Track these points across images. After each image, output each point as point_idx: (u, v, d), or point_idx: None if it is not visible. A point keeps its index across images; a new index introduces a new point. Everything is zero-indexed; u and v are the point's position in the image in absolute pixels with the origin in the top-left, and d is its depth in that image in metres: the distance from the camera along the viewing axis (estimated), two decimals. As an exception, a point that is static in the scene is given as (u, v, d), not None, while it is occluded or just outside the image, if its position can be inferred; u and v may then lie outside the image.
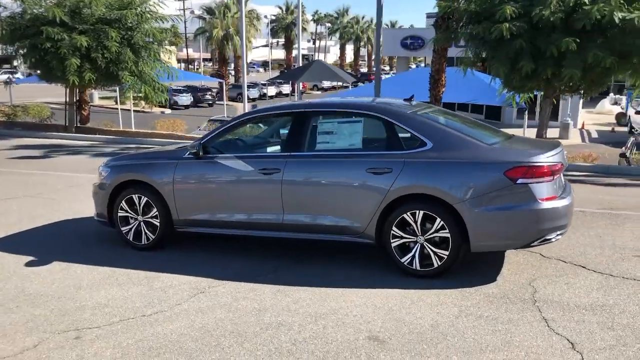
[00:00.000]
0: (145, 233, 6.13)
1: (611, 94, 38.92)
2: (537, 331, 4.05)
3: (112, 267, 5.63)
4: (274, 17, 63.23)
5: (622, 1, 10.58)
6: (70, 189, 9.49)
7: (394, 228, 5.14)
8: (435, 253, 5.04)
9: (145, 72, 16.97)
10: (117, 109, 25.41)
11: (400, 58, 38.42)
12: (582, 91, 13.18)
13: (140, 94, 17.88)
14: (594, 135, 27.38)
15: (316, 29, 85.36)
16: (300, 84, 38.92)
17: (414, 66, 46.48)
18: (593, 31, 10.83)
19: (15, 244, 6.46)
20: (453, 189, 4.93)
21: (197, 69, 71.74)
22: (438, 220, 4.97)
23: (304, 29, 59.15)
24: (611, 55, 10.62)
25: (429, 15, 47.04)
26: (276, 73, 59.95)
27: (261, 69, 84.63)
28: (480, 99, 19.47)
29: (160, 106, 33.97)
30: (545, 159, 4.92)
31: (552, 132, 19.50)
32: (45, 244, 6.48)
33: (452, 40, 14.19)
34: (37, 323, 4.38)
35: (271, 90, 48.19)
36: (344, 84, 34.34)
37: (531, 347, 3.82)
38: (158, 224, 6.04)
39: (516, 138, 5.73)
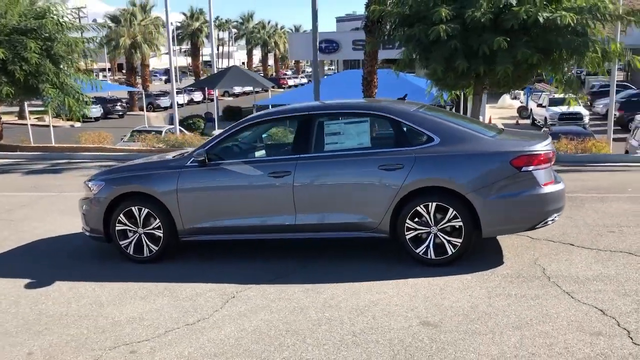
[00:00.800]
0: (147, 245, 6.01)
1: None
2: (566, 303, 4.46)
3: (122, 281, 5.50)
4: (179, 24, 61.96)
5: (545, 2, 11.49)
6: (22, 209, 8.98)
7: (407, 221, 5.41)
8: (448, 242, 5.36)
9: (67, 84, 16.26)
10: (19, 124, 23.99)
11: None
12: (508, 86, 14.12)
13: (58, 108, 17.02)
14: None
15: (218, 35, 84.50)
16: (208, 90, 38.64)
17: (326, 68, 47.21)
18: (519, 30, 11.65)
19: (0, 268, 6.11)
20: (464, 180, 5.28)
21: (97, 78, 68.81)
22: (451, 210, 5.30)
23: (207, 35, 58.35)
24: (536, 52, 11.57)
25: (339, 19, 48.30)
26: (190, 80, 58.87)
27: (164, 77, 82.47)
28: (409, 98, 20.29)
29: (68, 119, 32.46)
30: (542, 147, 5.39)
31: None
32: (35, 265, 6.19)
33: (387, 42, 14.67)
34: (80, 342, 4.24)
35: (182, 99, 47.23)
36: (263, 89, 34.41)
37: (569, 317, 4.21)
38: (161, 235, 5.95)
39: (507, 131, 6.19)
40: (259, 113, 6.44)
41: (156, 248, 5.99)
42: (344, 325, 4.29)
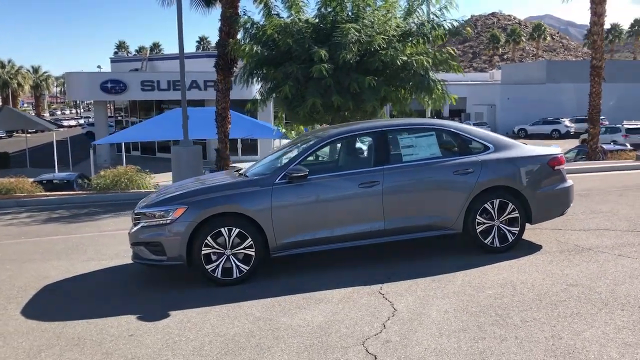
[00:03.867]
0: (237, 266, 5.92)
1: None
2: (628, 263, 5.93)
3: (235, 302, 5.40)
4: None
5: (401, 47, 13.59)
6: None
7: (477, 217, 6.43)
8: (509, 231, 6.52)
9: None
10: None
11: (98, 102, 36.93)
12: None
13: None
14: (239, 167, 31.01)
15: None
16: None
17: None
18: (381, 70, 13.52)
19: (70, 308, 5.42)
20: (520, 179, 6.53)
21: None
22: (510, 205, 6.48)
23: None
24: (393, 90, 13.76)
25: (113, 60, 46.52)
26: None
27: None
28: (254, 134, 21.06)
29: None
30: (560, 152, 6.95)
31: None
32: (107, 301, 5.61)
33: (247, 81, 15.31)
34: (314, 348, 4.29)
35: None
36: (42, 130, 31.46)
37: (629, 266, 5.69)
38: (253, 254, 5.94)
39: (522, 141, 7.61)
40: (337, 130, 6.77)
41: (247, 268, 5.94)
42: (516, 293, 5.11)
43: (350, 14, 13.94)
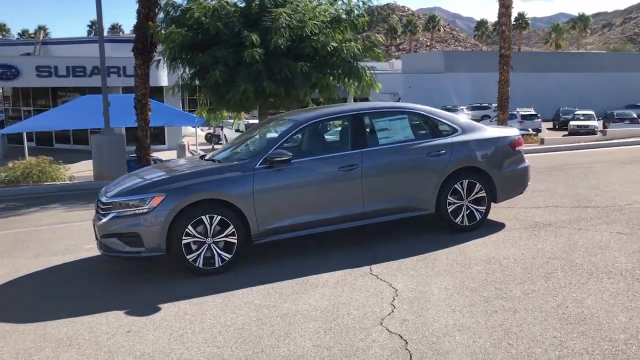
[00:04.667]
0: (219, 255, 5.70)
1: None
2: (590, 235, 6.36)
3: (226, 292, 5.23)
4: None
5: (332, 33, 13.67)
6: None
7: (449, 197, 6.61)
8: (477, 210, 6.77)
9: None
10: None
11: (-13, 89, 33.99)
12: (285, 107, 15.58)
13: None
14: (202, 153, 29.76)
15: None
16: None
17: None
18: (311, 57, 13.53)
19: (42, 308, 4.97)
20: (486, 160, 6.78)
21: None
22: (477, 185, 6.72)
23: None
24: (323, 76, 13.86)
25: (-2, 44, 42.83)
26: None
27: None
28: (174, 122, 20.24)
29: None
30: (518, 133, 7.28)
31: (170, 154, 21.36)
32: (82, 298, 5.20)
33: (170, 66, 14.78)
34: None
35: None
36: None
37: (591, 237, 6.14)
38: (235, 242, 5.74)
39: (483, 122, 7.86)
40: (314, 113, 6.60)
41: (229, 256, 5.73)
42: (504, 268, 5.31)
43: (277, -1, 13.67)
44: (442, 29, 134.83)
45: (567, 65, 55.82)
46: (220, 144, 37.69)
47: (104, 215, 5.76)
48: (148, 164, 16.80)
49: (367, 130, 6.50)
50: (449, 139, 6.69)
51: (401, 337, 4.02)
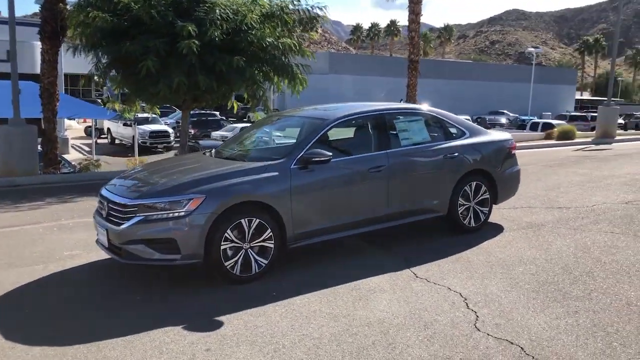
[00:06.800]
0: (256, 260, 5.30)
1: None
2: (592, 236, 6.77)
3: (276, 301, 4.90)
4: None
5: (270, 29, 13.46)
6: None
7: (459, 199, 6.71)
8: (481, 211, 6.94)
9: None
10: None
11: None
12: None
13: None
14: (87, 149, 26.25)
15: None
16: None
17: None
18: (245, 51, 13.21)
19: (66, 326, 4.31)
20: (491, 162, 6.97)
21: None
22: (483, 187, 6.90)
23: None
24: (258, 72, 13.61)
25: None
26: None
27: None
28: (81, 114, 18.48)
29: None
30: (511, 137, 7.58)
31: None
32: (116, 313, 4.58)
33: (87, 52, 13.65)
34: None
35: None
36: None
37: (587, 237, 6.58)
38: (272, 246, 5.37)
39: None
40: (339, 113, 6.26)
41: (265, 262, 5.35)
42: (543, 268, 5.48)
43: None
44: (320, 30, 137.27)
45: (442, 73, 59.37)
46: (104, 137, 35.43)
47: (125, 220, 5.10)
48: (55, 160, 15.30)
49: (391, 131, 6.39)
50: (460, 142, 6.79)
51: (511, 343, 3.99)
